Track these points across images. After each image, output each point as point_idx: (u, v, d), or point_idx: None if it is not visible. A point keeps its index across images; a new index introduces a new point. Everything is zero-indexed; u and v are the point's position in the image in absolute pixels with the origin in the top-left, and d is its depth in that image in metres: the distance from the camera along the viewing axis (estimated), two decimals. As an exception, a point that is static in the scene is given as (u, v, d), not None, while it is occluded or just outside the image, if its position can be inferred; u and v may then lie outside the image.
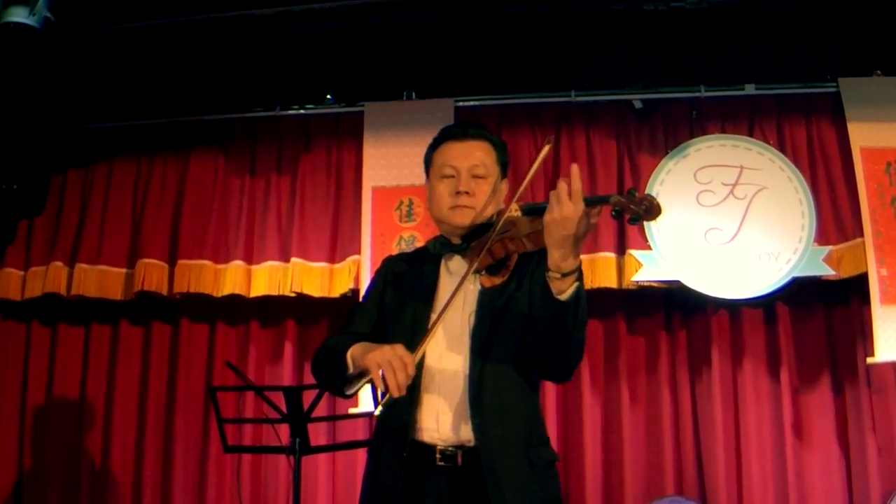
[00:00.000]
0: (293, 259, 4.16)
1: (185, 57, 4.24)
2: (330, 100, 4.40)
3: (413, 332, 1.96)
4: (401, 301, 2.08)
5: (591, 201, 1.73)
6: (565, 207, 1.70)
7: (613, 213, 1.71)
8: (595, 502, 3.93)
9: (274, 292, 4.14)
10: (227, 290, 4.17)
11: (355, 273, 4.10)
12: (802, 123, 4.07)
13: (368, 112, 4.26)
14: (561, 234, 1.72)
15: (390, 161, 4.17)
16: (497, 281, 1.94)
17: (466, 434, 1.92)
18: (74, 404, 4.37)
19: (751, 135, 4.08)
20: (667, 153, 4.08)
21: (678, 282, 3.92)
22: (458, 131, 2.14)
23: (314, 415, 3.14)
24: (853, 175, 3.90)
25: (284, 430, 3.20)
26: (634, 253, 3.93)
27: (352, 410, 3.77)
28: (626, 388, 4.07)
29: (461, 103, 4.25)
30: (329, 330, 4.26)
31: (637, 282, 3.93)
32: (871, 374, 3.86)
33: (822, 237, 3.90)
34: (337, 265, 4.17)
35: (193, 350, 4.38)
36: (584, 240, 1.78)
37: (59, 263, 4.31)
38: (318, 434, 3.82)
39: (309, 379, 3.78)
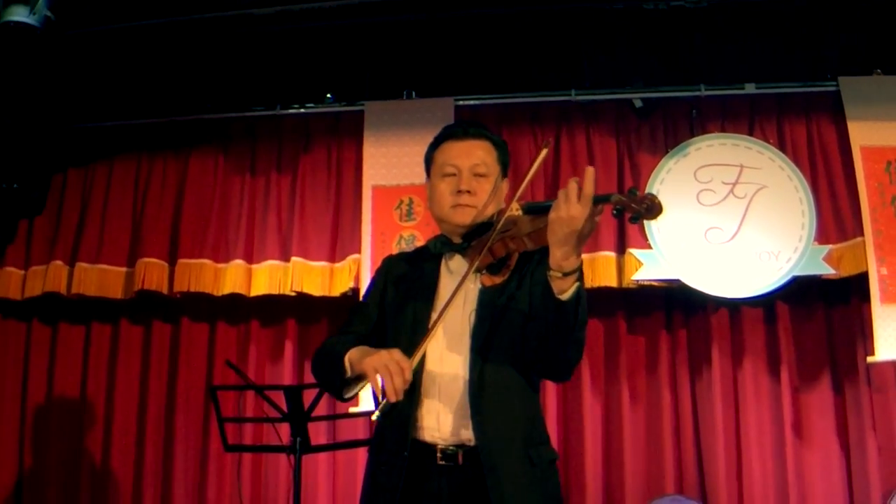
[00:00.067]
0: (293, 258, 4.16)
1: (185, 56, 4.24)
2: (330, 99, 4.40)
3: (414, 332, 1.97)
4: (401, 300, 2.08)
5: (594, 200, 1.73)
6: (573, 207, 1.70)
7: (614, 211, 1.70)
8: (595, 501, 3.93)
9: (274, 291, 4.14)
10: (227, 289, 4.17)
11: (355, 272, 4.10)
12: (802, 122, 4.07)
13: (368, 111, 4.26)
14: (565, 232, 1.71)
15: (390, 160, 4.17)
16: (498, 280, 1.94)
17: (467, 433, 1.92)
18: (74, 403, 4.37)
19: (751, 134, 4.08)
20: (667, 152, 4.08)
21: (678, 281, 3.92)
22: (459, 130, 2.14)
23: (314, 414, 3.14)
24: (853, 174, 3.90)
25: (285, 429, 3.21)
26: (634, 252, 3.94)
27: (352, 410, 3.75)
28: (626, 387, 4.07)
29: (461, 102, 4.25)
30: (329, 329, 4.26)
31: (637, 281, 3.93)
32: (871, 373, 3.86)
33: (823, 236, 3.90)
34: (337, 264, 4.17)
35: (194, 349, 4.38)
36: (587, 240, 1.78)
37: (59, 262, 4.31)
38: (318, 433, 3.82)
39: (309, 378, 3.78)
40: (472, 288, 2.00)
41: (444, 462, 1.92)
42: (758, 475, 3.85)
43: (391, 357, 1.81)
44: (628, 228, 3.97)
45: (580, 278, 1.79)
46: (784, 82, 4.10)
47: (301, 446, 3.13)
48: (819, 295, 4.06)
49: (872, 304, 3.75)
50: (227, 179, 4.37)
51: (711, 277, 3.88)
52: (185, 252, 4.25)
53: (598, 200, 1.72)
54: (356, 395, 2.04)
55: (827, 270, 3.84)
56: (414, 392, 1.92)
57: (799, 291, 4.00)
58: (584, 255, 1.94)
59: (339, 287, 4.12)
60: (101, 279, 4.27)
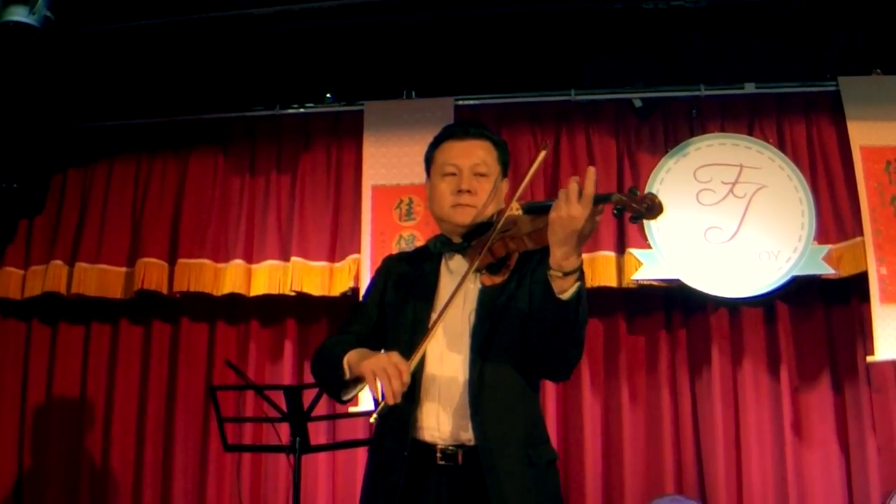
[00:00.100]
0: (293, 258, 4.16)
1: (185, 56, 4.24)
2: (330, 99, 4.40)
3: (414, 332, 1.97)
4: (401, 300, 2.08)
5: (594, 200, 1.73)
6: (573, 207, 1.70)
7: (615, 211, 1.70)
8: (595, 501, 3.93)
9: (274, 291, 4.14)
10: (227, 289, 4.17)
11: (355, 272, 4.10)
12: (802, 122, 4.07)
13: (368, 111, 4.26)
14: (566, 232, 1.71)
15: (390, 160, 4.17)
16: (497, 280, 1.94)
17: (466, 433, 1.92)
18: (74, 403, 4.37)
19: (750, 133, 4.08)
20: (666, 152, 4.08)
21: (678, 280, 3.92)
22: (459, 130, 2.14)
23: (314, 414, 3.14)
24: (853, 174, 3.90)
25: (284, 428, 3.21)
26: (634, 252, 3.94)
27: (352, 409, 3.74)
28: (626, 386, 4.07)
29: (461, 102, 4.24)
30: (329, 329, 4.26)
31: (637, 280, 3.93)
32: (870, 372, 3.86)
33: (822, 236, 3.90)
34: (337, 264, 4.17)
35: (193, 349, 4.38)
36: (588, 239, 1.78)
37: (59, 262, 4.31)
38: (318, 433, 3.83)
39: (309, 378, 3.75)
40: (472, 288, 2.00)
41: (443, 462, 1.91)
42: (757, 475, 3.85)
43: (389, 360, 1.81)
44: (628, 228, 3.97)
45: (581, 278, 1.79)
46: (784, 82, 4.10)
47: (301, 446, 3.13)
48: (819, 295, 4.06)
49: (872, 304, 3.75)
50: (227, 179, 4.37)
51: (711, 277, 3.88)
52: (184, 252, 4.25)
53: (599, 200, 1.72)
54: (355, 397, 2.04)
55: (826, 270, 3.84)
56: (414, 392, 1.91)
57: (798, 291, 4.00)
58: (583, 255, 1.94)
59: (339, 287, 4.12)
60: (100, 279, 4.27)
